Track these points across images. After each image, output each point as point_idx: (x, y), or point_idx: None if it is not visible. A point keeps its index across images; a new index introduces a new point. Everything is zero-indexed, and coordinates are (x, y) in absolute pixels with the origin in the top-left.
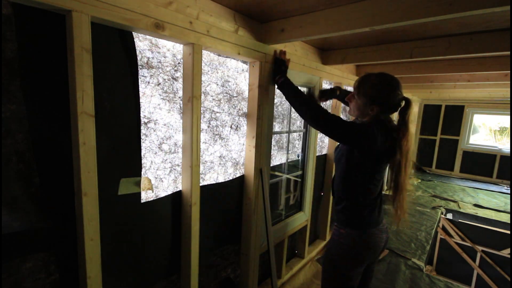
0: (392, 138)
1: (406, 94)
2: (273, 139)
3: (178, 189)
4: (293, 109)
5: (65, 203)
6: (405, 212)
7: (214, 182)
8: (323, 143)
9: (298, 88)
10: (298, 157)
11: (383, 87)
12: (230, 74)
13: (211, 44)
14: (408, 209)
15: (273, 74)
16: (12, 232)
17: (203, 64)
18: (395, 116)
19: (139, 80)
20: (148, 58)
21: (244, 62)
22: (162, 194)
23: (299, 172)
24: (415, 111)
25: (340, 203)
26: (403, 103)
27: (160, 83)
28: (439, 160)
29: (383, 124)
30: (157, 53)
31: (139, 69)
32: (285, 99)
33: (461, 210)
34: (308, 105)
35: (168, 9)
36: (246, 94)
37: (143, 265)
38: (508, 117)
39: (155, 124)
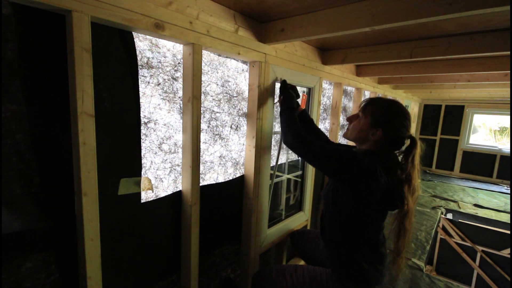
0: (391, 182)
1: (406, 94)
2: (273, 139)
3: (178, 189)
4: None
5: (65, 203)
6: (401, 272)
7: (214, 182)
8: None
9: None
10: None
11: (392, 110)
12: (230, 74)
13: (211, 44)
14: None
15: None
16: (12, 232)
17: (203, 64)
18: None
19: (139, 80)
20: (148, 58)
21: (244, 62)
22: (162, 194)
23: (299, 172)
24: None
25: (335, 249)
26: (408, 142)
27: (160, 83)
28: (439, 160)
29: (383, 159)
30: (157, 53)
31: (139, 69)
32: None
33: (461, 210)
34: (295, 124)
35: (168, 9)
36: (246, 94)
37: (143, 265)
38: (508, 117)
39: (155, 124)
